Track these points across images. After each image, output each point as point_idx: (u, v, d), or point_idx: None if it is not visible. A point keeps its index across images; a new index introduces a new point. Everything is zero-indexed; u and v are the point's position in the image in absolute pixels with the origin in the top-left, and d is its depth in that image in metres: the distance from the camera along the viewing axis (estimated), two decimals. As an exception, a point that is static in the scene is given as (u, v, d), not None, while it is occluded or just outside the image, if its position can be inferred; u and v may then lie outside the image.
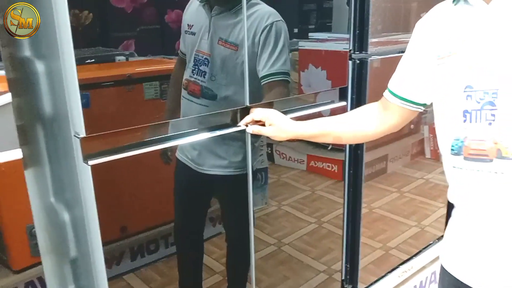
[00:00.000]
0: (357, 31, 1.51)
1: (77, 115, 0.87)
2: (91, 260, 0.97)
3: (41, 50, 0.90)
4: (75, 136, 0.89)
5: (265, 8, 1.19)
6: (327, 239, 1.63)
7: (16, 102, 0.90)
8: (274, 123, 1.03)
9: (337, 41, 1.60)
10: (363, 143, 1.59)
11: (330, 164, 1.65)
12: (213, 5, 1.14)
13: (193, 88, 1.16)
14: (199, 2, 1.14)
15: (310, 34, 1.71)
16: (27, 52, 0.89)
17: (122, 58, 1.17)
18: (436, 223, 2.00)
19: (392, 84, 0.97)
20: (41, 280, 0.93)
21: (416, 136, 1.94)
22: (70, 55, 0.83)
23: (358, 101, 1.56)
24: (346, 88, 1.56)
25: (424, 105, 0.94)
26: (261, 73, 1.20)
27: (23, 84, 0.93)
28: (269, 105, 1.25)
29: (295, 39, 1.79)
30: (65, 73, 0.86)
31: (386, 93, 0.98)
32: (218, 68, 1.15)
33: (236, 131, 1.20)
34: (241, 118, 1.14)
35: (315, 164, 1.63)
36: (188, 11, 1.12)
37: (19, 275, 0.91)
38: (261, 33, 1.16)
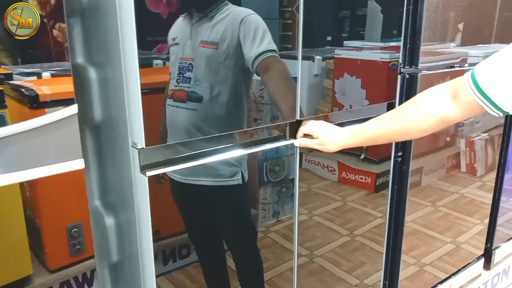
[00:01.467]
0: (408, 45, 1.48)
1: (137, 126, 0.87)
2: (139, 263, 0.96)
3: (98, 57, 0.89)
4: (133, 146, 0.88)
5: (239, 8, 1.22)
6: (360, 252, 1.58)
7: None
8: (321, 135, 1.01)
9: (373, 50, 1.58)
10: (409, 158, 1.55)
11: (363, 176, 1.62)
12: (192, 13, 1.16)
13: (179, 95, 1.17)
14: (182, 16, 1.16)
15: (344, 42, 1.70)
16: (80, 59, 0.88)
17: (160, 62, 1.18)
18: (472, 240, 1.92)
19: (483, 79, 0.86)
20: (77, 280, 0.93)
21: (452, 149, 1.88)
22: (134, 60, 0.83)
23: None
24: (394, 103, 1.52)
25: (505, 113, 0.87)
26: (249, 57, 1.21)
27: (80, 92, 0.93)
28: (324, 117, 1.24)
29: (329, 47, 1.78)
30: (126, 79, 0.84)
31: (468, 84, 0.88)
32: (202, 70, 1.17)
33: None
34: (290, 132, 1.13)
35: (347, 175, 1.60)
36: (173, 27, 1.13)
37: (55, 274, 0.91)
38: (239, 26, 1.19)
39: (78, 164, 0.83)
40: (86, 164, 0.94)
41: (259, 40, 1.22)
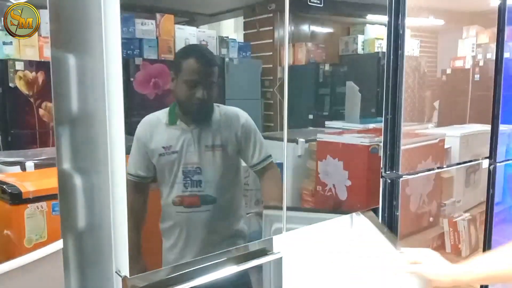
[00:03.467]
0: (388, 152, 1.53)
1: (122, 255, 0.81)
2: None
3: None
4: (117, 273, 0.82)
5: (230, 108, 1.29)
6: None
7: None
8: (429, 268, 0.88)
9: (353, 134, 1.61)
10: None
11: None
12: (189, 123, 1.18)
13: (190, 200, 1.18)
14: (167, 124, 1.16)
15: (326, 122, 1.72)
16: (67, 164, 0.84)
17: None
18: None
19: None
20: None
21: (436, 229, 1.87)
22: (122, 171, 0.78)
23: (390, 221, 1.54)
24: (377, 209, 1.54)
25: None
26: (253, 161, 1.32)
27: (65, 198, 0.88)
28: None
29: (311, 128, 1.79)
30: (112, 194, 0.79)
31: None
32: (212, 173, 1.21)
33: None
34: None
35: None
36: (156, 136, 1.13)
37: None
38: (240, 128, 1.27)
39: None
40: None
41: (259, 145, 1.32)
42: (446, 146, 1.82)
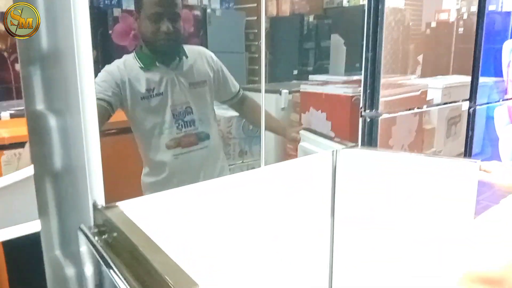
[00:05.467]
0: (368, 90, 1.53)
1: (97, 180, 0.80)
2: None
3: (58, 103, 0.84)
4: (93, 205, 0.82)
5: (193, 46, 1.29)
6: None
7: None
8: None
9: (337, 84, 1.61)
10: None
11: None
12: (167, 63, 1.18)
13: (187, 140, 1.20)
14: (142, 68, 1.13)
15: (310, 76, 1.73)
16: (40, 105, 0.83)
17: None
18: None
19: None
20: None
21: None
22: (92, 107, 0.78)
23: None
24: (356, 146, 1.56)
25: None
26: (232, 92, 1.32)
27: (36, 139, 0.88)
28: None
29: (295, 81, 1.80)
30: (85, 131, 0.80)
31: None
32: (201, 109, 1.22)
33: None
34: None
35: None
36: (134, 81, 1.11)
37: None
38: (211, 63, 1.27)
39: (34, 226, 0.78)
40: (45, 218, 0.89)
41: (230, 77, 1.31)
42: (428, 98, 1.85)
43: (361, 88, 1.48)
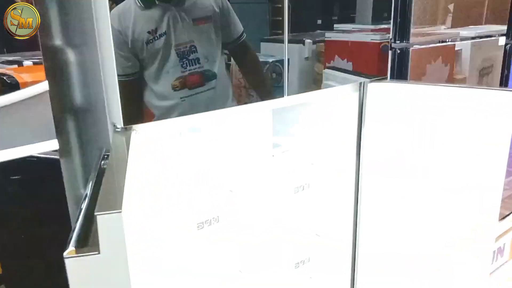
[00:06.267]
0: (399, 19, 1.46)
1: (115, 106, 0.83)
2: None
3: (74, 39, 0.86)
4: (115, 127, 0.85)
5: None
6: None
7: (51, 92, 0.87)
8: None
9: (363, 32, 1.56)
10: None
11: None
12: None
13: (193, 80, 1.14)
14: (142, 7, 1.09)
15: (335, 25, 1.67)
16: (58, 41, 0.85)
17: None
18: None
19: None
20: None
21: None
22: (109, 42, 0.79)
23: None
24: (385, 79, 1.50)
25: None
26: (233, 34, 1.23)
27: (56, 74, 0.90)
28: None
29: (319, 31, 1.75)
30: (102, 62, 0.81)
31: None
32: (206, 47, 1.16)
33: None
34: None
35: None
36: (136, 24, 1.07)
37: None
38: None
39: (51, 145, 0.79)
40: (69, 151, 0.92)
41: (234, 16, 1.22)
42: (457, 49, 1.78)
43: (391, 20, 1.42)
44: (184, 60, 1.11)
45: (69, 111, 0.86)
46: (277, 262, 1.27)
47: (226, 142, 1.06)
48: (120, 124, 0.81)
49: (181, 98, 1.12)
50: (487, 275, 1.19)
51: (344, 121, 1.30)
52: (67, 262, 0.49)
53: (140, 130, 0.85)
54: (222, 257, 1.10)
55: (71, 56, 0.84)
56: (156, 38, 1.08)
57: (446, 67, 1.74)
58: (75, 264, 0.50)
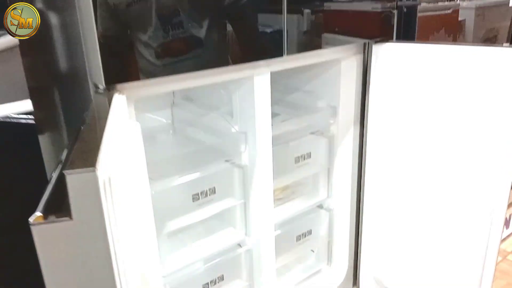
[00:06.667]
0: None
1: (96, 67, 0.78)
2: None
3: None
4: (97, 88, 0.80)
5: None
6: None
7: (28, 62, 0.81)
8: None
9: (364, 1, 1.48)
10: None
11: None
12: None
13: (177, 45, 1.03)
14: None
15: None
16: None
17: None
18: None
19: None
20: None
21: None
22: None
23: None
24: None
25: None
26: None
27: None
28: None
29: (317, 2, 1.66)
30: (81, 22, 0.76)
31: None
32: (190, 10, 1.05)
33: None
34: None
35: None
36: None
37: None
38: None
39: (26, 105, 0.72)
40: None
41: None
42: (460, 19, 1.70)
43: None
44: (166, 24, 1.01)
45: (49, 74, 0.80)
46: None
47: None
48: (102, 84, 0.75)
49: (164, 66, 1.03)
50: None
51: (348, 80, 1.23)
52: (34, 229, 0.42)
53: (123, 91, 0.79)
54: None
55: (53, 19, 0.79)
56: (135, 1, 0.98)
57: (449, 38, 1.68)
58: (43, 233, 0.43)
